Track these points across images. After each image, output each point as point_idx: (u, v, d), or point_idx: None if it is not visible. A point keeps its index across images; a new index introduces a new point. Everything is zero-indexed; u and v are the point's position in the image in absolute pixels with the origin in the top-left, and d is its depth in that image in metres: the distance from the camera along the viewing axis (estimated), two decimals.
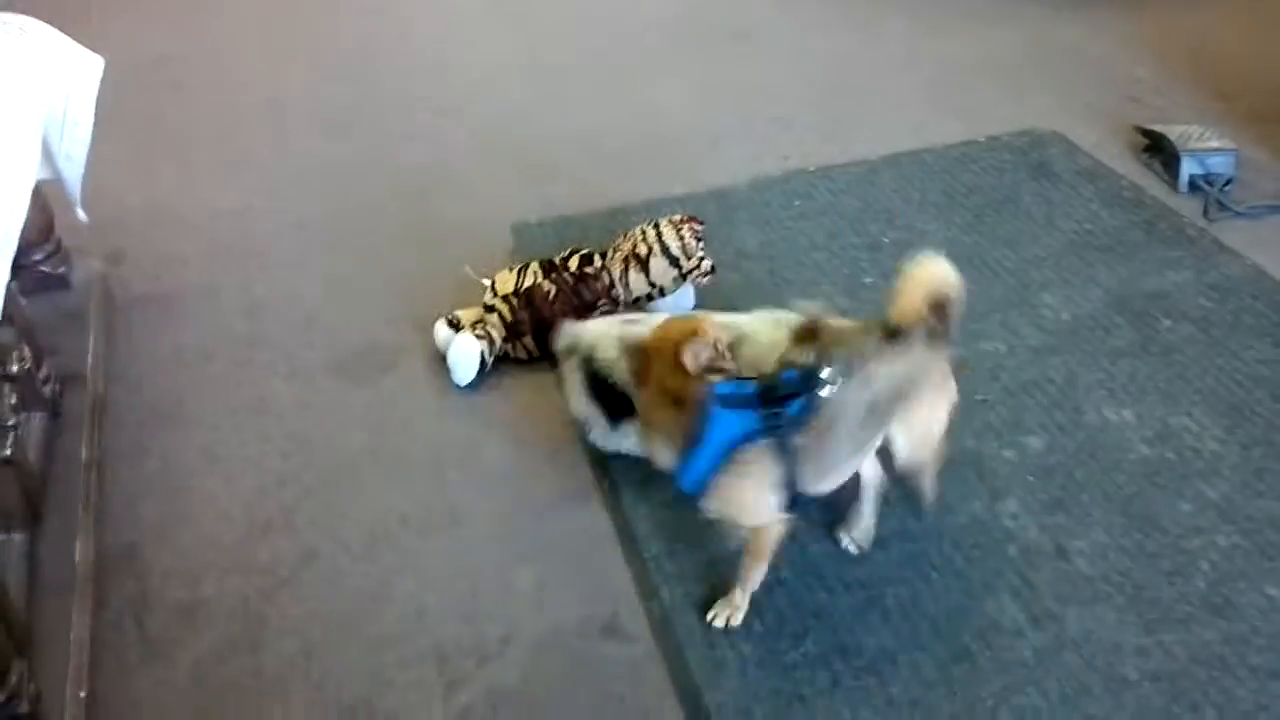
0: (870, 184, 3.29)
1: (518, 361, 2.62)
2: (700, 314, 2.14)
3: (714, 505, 1.86)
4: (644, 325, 2.18)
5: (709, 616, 2.01)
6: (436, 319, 2.66)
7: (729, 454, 1.78)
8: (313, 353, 2.72)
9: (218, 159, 3.55)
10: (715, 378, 1.85)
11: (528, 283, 2.66)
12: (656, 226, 2.65)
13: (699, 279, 2.66)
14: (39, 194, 2.46)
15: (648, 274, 2.61)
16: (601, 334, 2.29)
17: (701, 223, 2.67)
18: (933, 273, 1.87)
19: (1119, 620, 2.01)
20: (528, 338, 2.59)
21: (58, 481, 2.23)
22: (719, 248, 2.88)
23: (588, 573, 2.14)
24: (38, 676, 1.80)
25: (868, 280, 2.88)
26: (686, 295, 2.71)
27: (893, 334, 1.85)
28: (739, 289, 2.84)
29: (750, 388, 1.82)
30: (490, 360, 2.58)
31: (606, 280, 2.64)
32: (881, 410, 1.88)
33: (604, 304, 2.64)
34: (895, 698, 1.89)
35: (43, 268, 2.66)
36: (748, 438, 1.77)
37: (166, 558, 2.19)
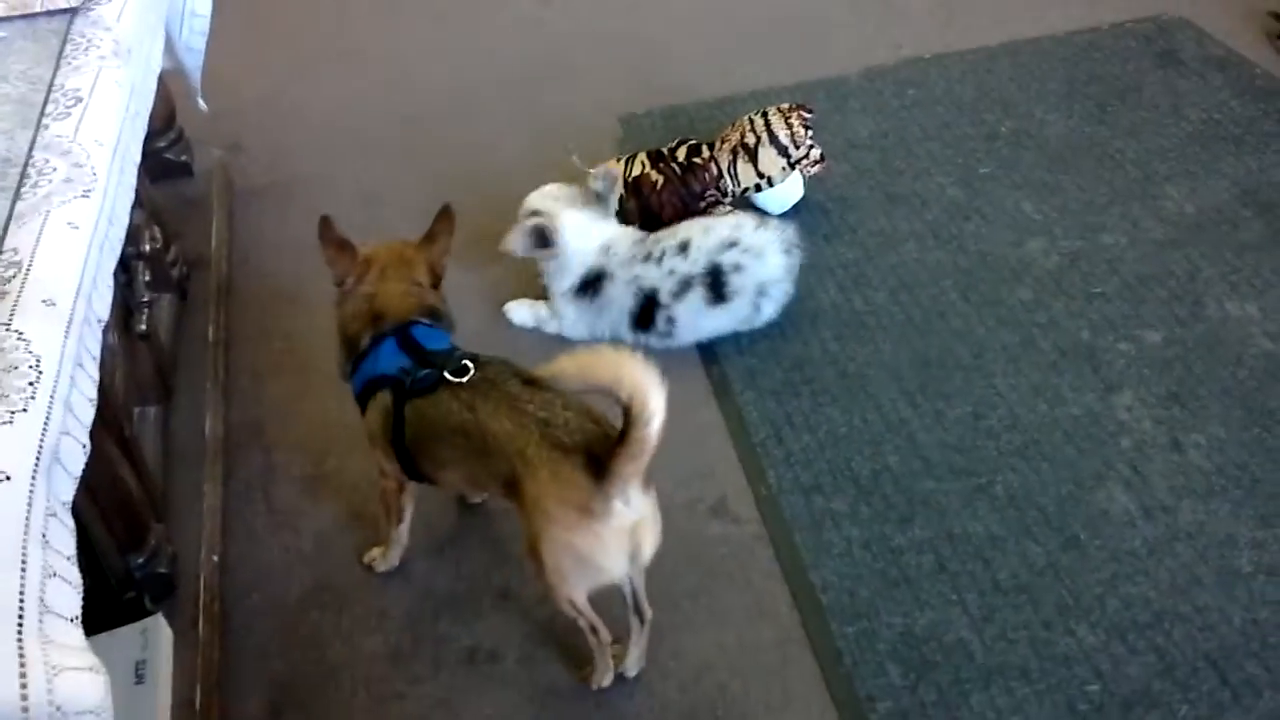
0: (987, 72, 3.19)
1: None
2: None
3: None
4: None
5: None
6: None
7: (370, 383, 1.78)
8: None
9: (329, 51, 3.59)
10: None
11: (635, 172, 2.65)
12: (765, 115, 2.61)
13: (808, 168, 2.63)
14: (161, 83, 2.52)
15: (756, 164, 2.59)
16: None
17: (810, 111, 2.63)
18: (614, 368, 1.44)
19: (1234, 514, 1.98)
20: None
21: (187, 360, 2.33)
22: (829, 137, 2.84)
23: (696, 457, 2.17)
24: (174, 540, 1.91)
25: (983, 171, 2.81)
26: (795, 185, 2.68)
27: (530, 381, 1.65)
28: (849, 179, 2.81)
29: (436, 340, 1.80)
30: None
31: (715, 170, 2.62)
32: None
33: (711, 194, 2.63)
34: (1002, 583, 1.90)
35: (166, 155, 2.72)
36: (385, 379, 1.75)
37: (291, 434, 2.29)
